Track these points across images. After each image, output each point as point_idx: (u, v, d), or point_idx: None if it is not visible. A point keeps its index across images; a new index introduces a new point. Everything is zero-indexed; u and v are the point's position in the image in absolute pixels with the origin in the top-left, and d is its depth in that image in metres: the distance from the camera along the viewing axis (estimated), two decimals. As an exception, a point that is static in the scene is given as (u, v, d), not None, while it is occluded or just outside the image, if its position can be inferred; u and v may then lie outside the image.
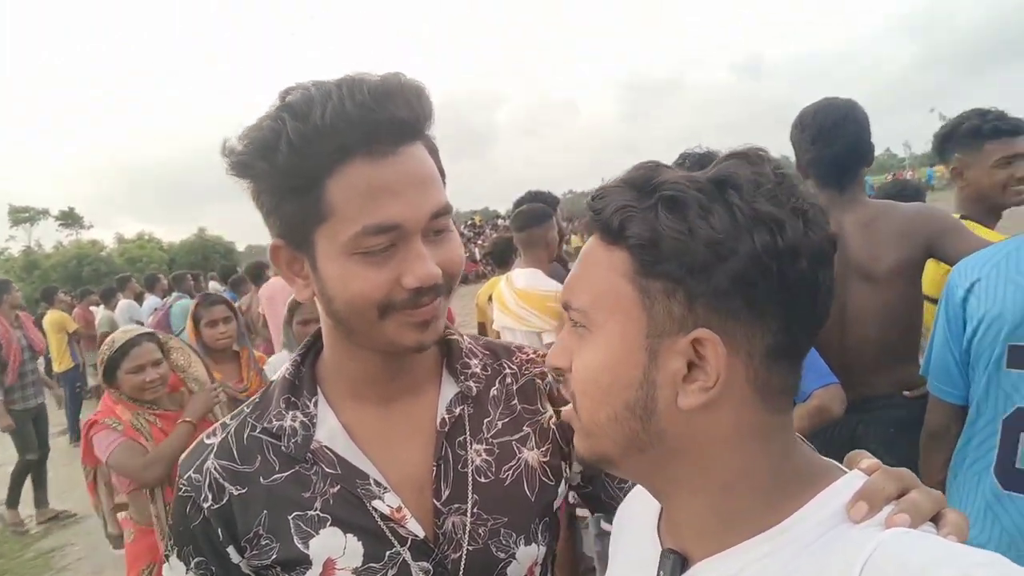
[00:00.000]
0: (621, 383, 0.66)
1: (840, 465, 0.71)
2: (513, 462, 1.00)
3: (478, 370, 1.04)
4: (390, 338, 0.88)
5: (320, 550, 0.91)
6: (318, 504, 0.92)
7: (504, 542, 0.96)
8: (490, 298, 3.63)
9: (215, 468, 0.94)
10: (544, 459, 1.02)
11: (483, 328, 4.25)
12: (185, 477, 0.95)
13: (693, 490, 0.68)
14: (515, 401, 1.04)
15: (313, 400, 0.96)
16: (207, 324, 3.45)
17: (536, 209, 3.35)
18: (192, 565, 0.96)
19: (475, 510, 0.96)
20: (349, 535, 0.91)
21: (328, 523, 0.91)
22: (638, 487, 0.86)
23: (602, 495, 1.05)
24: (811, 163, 2.28)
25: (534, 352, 1.11)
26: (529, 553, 0.98)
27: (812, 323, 0.65)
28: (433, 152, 0.90)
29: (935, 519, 0.64)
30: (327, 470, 0.92)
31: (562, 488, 1.04)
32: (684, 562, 0.70)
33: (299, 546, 0.90)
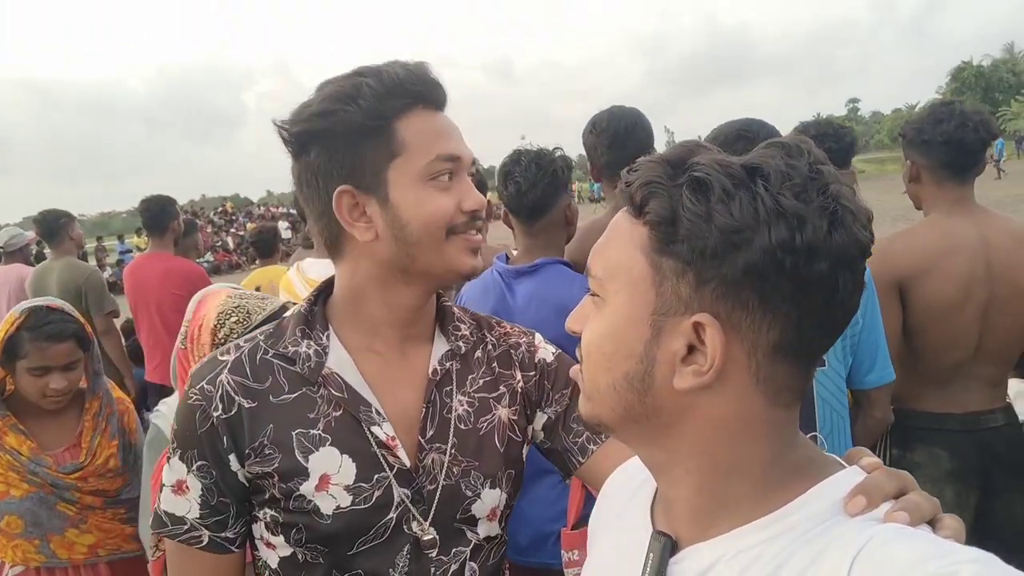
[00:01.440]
0: (622, 354, 0.67)
1: (841, 461, 0.71)
2: (488, 416, 1.14)
3: (467, 333, 1.19)
4: (449, 261, 1.04)
5: (318, 465, 1.02)
6: (321, 425, 1.03)
7: (473, 483, 1.10)
8: (257, 289, 3.36)
9: (228, 382, 1.03)
10: (513, 417, 1.16)
11: None
12: (197, 387, 1.04)
13: (688, 470, 0.69)
14: (495, 364, 1.19)
15: (325, 334, 1.08)
16: (33, 370, 2.08)
17: None
18: (194, 468, 1.03)
19: (452, 451, 1.09)
20: (345, 456, 1.03)
21: (328, 443, 1.02)
22: (627, 462, 0.91)
23: (559, 447, 1.18)
24: (607, 166, 2.41)
25: (511, 327, 1.27)
26: (492, 496, 1.12)
27: (828, 325, 0.64)
28: None
29: (932, 523, 0.64)
30: (335, 393, 1.04)
31: (525, 448, 1.20)
32: (674, 545, 0.71)
33: (300, 459, 1.01)
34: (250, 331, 1.56)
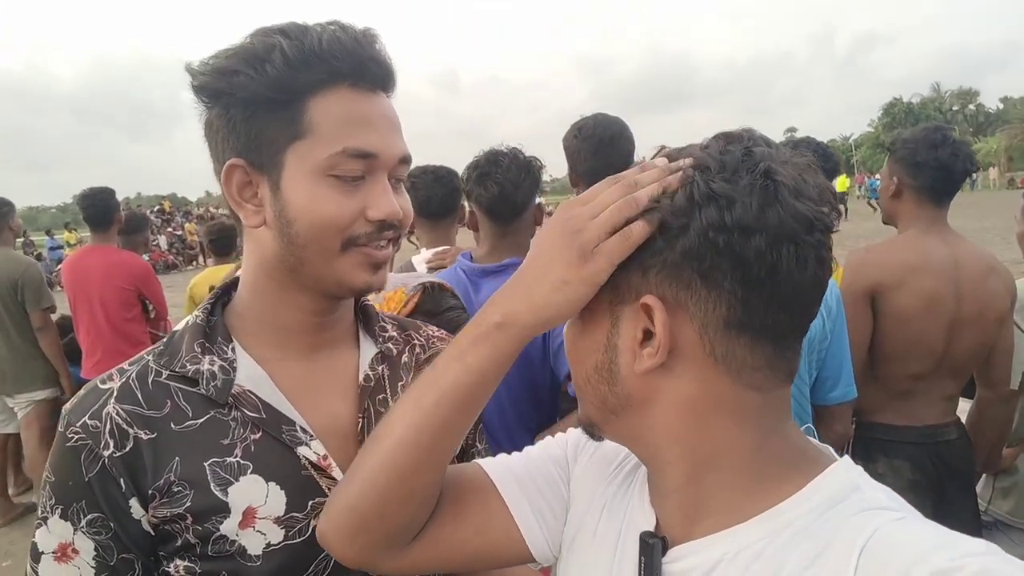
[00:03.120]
0: (590, 346, 0.71)
1: (832, 451, 0.71)
2: None
3: (395, 334, 1.08)
4: (340, 275, 0.89)
5: (240, 498, 0.87)
6: (238, 451, 0.88)
7: None
8: (211, 289, 4.08)
9: (117, 412, 0.86)
10: None
11: None
12: (79, 424, 0.85)
13: (672, 460, 0.70)
14: (424, 368, 1.00)
15: (230, 347, 0.93)
16: None
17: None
18: (83, 524, 0.85)
19: None
20: (272, 483, 0.88)
21: (249, 470, 0.88)
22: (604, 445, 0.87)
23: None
24: (588, 172, 2.37)
25: (435, 329, 1.16)
26: None
27: (778, 300, 0.64)
28: None
29: None
30: (249, 414, 0.89)
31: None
32: (665, 544, 0.71)
33: (217, 494, 0.86)
34: None
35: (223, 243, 5.23)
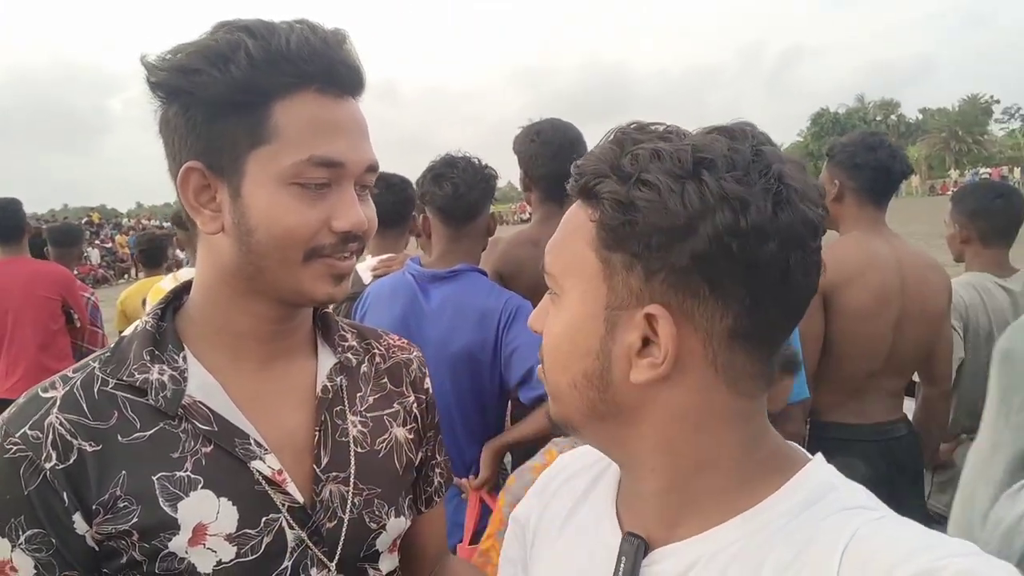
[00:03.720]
0: (579, 351, 0.66)
1: (806, 452, 0.71)
2: (386, 435, 1.01)
3: (355, 343, 1.04)
4: (302, 286, 0.86)
5: (190, 514, 0.83)
6: (188, 465, 0.84)
7: (377, 513, 0.96)
8: (144, 302, 3.54)
9: (61, 423, 0.82)
10: (410, 436, 1.04)
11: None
12: (18, 435, 0.81)
13: (655, 467, 0.67)
14: (384, 379, 1.05)
15: (180, 355, 0.88)
16: None
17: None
18: (22, 540, 0.80)
19: (353, 480, 0.95)
20: (223, 499, 0.85)
21: (200, 485, 0.84)
22: (565, 460, 0.88)
23: (421, 483, 1.11)
24: (545, 176, 2.38)
25: (399, 339, 1.13)
26: (397, 525, 0.99)
27: (785, 308, 0.63)
28: None
29: None
30: (201, 427, 0.85)
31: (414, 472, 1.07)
32: (646, 546, 0.69)
33: (166, 509, 0.82)
34: None
35: (153, 254, 5.08)
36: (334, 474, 0.94)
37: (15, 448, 0.81)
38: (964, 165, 66.75)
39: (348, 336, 1.05)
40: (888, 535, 0.59)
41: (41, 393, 0.86)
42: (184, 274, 3.04)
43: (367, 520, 0.96)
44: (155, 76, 0.83)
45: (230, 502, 0.86)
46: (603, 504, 0.77)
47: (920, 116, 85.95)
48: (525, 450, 2.13)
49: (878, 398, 2.42)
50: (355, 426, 0.99)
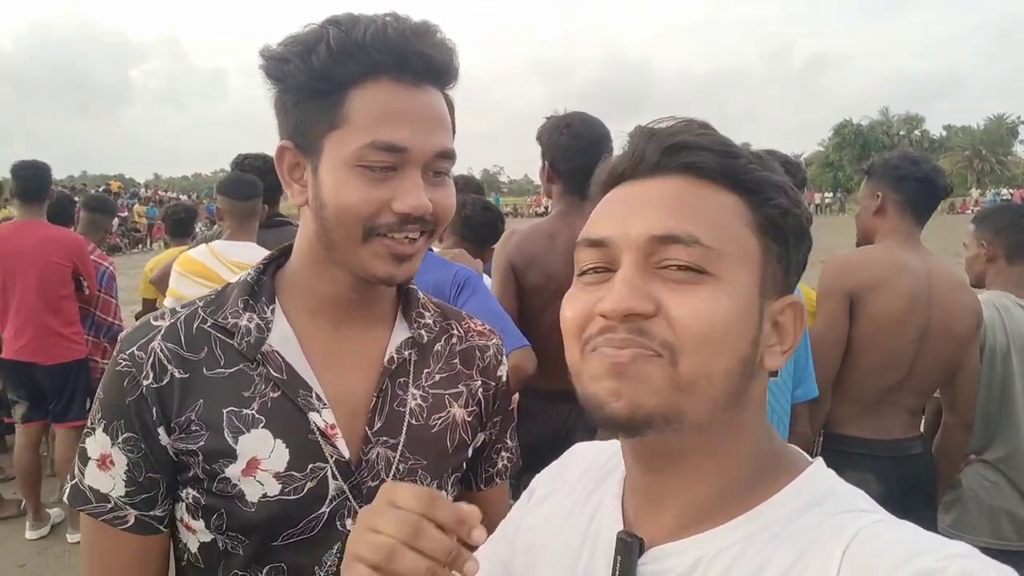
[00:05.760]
0: (742, 336, 0.63)
1: (802, 451, 0.72)
2: (442, 414, 1.06)
3: (430, 322, 1.10)
4: (363, 263, 0.93)
5: (247, 448, 0.92)
6: (255, 405, 0.94)
7: (418, 482, 1.02)
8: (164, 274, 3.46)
9: (161, 349, 0.94)
10: (468, 419, 1.09)
11: (151, 306, 4.18)
12: (128, 352, 0.94)
13: (720, 456, 0.67)
14: (456, 360, 1.10)
15: (270, 308, 0.98)
16: None
17: (252, 180, 3.25)
18: (120, 441, 0.93)
19: (401, 447, 1.00)
20: (279, 440, 0.93)
21: (261, 425, 0.93)
22: (567, 461, 0.88)
23: (472, 469, 1.16)
24: (573, 170, 2.34)
25: (482, 325, 1.18)
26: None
27: None
28: (451, 108, 0.97)
29: None
30: (273, 373, 0.94)
31: (470, 452, 1.12)
32: (642, 546, 0.68)
33: (228, 440, 0.92)
34: None
35: (183, 225, 5.21)
36: (384, 438, 1.01)
37: (124, 363, 0.94)
38: (985, 185, 66.22)
39: (426, 314, 1.11)
40: (888, 537, 0.59)
41: (153, 321, 0.99)
42: (220, 246, 3.10)
43: None
44: (262, 64, 0.94)
45: (284, 444, 0.94)
46: (610, 500, 0.77)
47: (944, 133, 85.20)
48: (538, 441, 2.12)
49: (896, 414, 2.39)
50: (414, 399, 1.04)
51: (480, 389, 1.12)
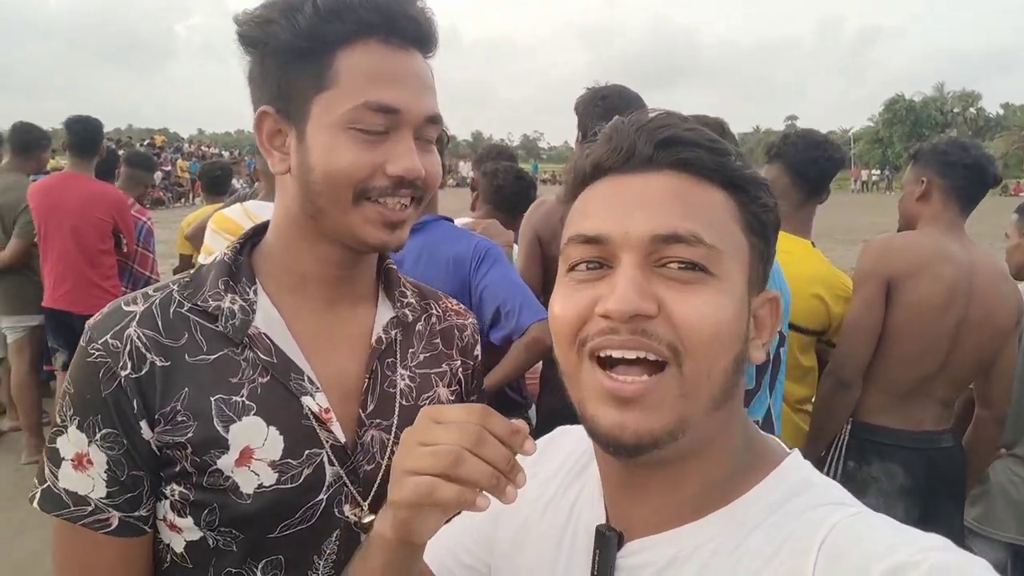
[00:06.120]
0: (738, 334, 0.63)
1: (779, 440, 0.73)
2: (430, 393, 1.05)
3: (413, 301, 1.08)
4: (353, 229, 0.89)
5: (239, 436, 0.88)
6: (244, 391, 0.90)
7: None
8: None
9: (138, 336, 0.89)
10: (451, 398, 1.08)
11: (187, 262, 4.20)
12: (101, 342, 0.88)
13: (700, 455, 0.66)
14: (437, 340, 1.09)
15: (252, 288, 0.94)
16: None
17: None
18: (98, 437, 0.87)
19: (395, 429, 0.99)
20: (272, 427, 0.90)
21: (252, 411, 0.89)
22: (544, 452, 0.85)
23: None
24: None
25: (457, 304, 1.17)
26: None
27: None
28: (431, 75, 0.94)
29: None
30: (262, 357, 0.91)
31: None
32: (621, 539, 0.69)
33: (218, 429, 0.88)
34: None
35: (219, 182, 5.27)
36: (378, 421, 0.99)
37: (97, 353, 0.88)
38: (1043, 167, 63.77)
39: (408, 293, 1.09)
40: (865, 530, 0.59)
41: (124, 306, 0.92)
42: (253, 206, 3.10)
43: None
44: (239, 28, 0.90)
45: (278, 431, 0.91)
46: (591, 489, 0.77)
47: (1001, 111, 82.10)
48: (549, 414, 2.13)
49: (927, 405, 2.34)
50: (403, 379, 1.03)
51: (460, 368, 1.11)
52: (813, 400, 2.46)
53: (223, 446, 0.88)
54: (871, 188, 54.60)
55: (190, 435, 0.88)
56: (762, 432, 0.73)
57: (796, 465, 0.69)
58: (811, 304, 2.31)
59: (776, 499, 0.65)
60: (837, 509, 0.62)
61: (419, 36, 0.91)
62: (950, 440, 2.37)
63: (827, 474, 2.35)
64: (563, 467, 0.83)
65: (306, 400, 0.92)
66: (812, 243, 2.46)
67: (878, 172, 64.19)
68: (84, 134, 4.22)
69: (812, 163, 2.39)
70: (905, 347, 2.28)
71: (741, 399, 0.69)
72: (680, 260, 0.62)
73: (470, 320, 1.16)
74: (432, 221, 2.20)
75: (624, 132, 0.66)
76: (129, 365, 0.87)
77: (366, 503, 0.96)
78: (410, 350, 1.05)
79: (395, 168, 0.87)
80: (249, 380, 0.91)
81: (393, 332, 1.03)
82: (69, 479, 0.88)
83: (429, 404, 1.03)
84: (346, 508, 0.95)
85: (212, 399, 0.89)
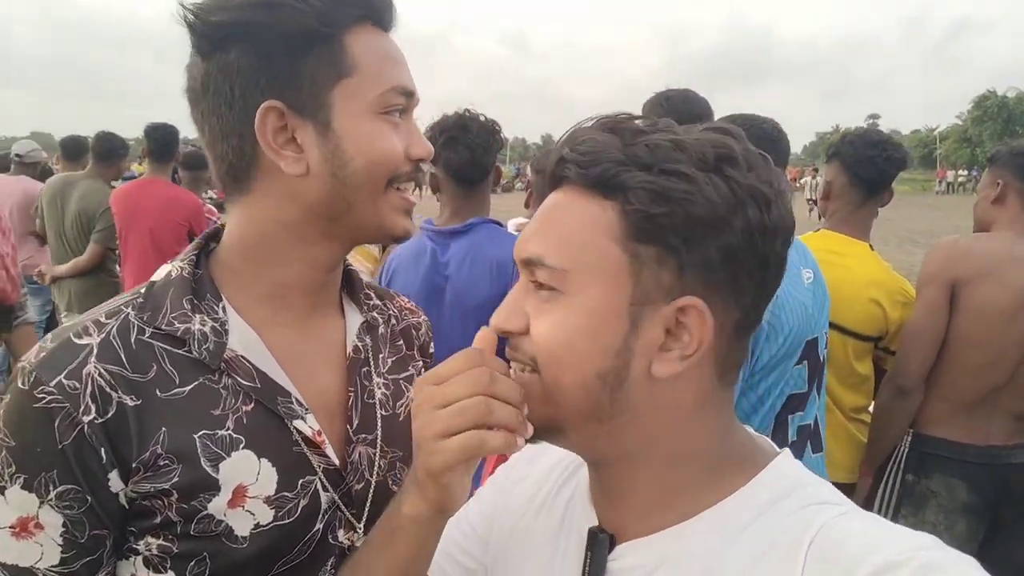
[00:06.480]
0: (598, 350, 0.63)
1: (772, 443, 0.72)
2: (403, 399, 0.99)
3: (378, 303, 1.04)
4: (384, 218, 0.86)
5: (231, 474, 0.80)
6: (230, 423, 0.81)
7: (398, 476, 0.94)
8: None
9: (100, 374, 0.77)
10: None
11: None
12: (52, 384, 0.75)
13: (643, 461, 0.67)
14: (400, 342, 1.04)
15: (220, 305, 0.85)
16: None
17: None
18: (52, 497, 0.75)
19: (380, 442, 0.94)
20: (264, 460, 0.82)
21: (242, 445, 0.81)
22: (530, 457, 0.86)
23: None
24: None
25: (408, 301, 1.12)
26: None
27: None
28: None
29: None
30: (243, 383, 0.82)
31: None
32: (612, 541, 0.69)
33: (207, 469, 0.79)
34: None
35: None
36: (363, 436, 0.93)
37: (49, 398, 0.75)
38: None
39: (372, 295, 1.04)
40: (853, 529, 0.59)
41: (75, 339, 0.79)
42: None
43: (390, 483, 0.94)
44: (217, 15, 0.79)
45: (270, 463, 0.83)
46: (582, 492, 0.77)
47: (1105, 108, 76.86)
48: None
49: (994, 417, 2.23)
50: (380, 388, 0.97)
51: (422, 368, 1.06)
52: (870, 409, 2.38)
53: (214, 487, 0.79)
54: (957, 189, 52.08)
55: (176, 480, 0.78)
56: (753, 433, 0.73)
57: (785, 465, 0.68)
58: (867, 309, 2.24)
59: (765, 500, 0.65)
60: (825, 509, 0.62)
61: (394, 19, 0.88)
62: (1022, 455, 2.23)
63: (885, 487, 2.35)
64: (556, 468, 0.83)
65: (297, 424, 0.85)
66: (870, 245, 2.38)
67: (965, 173, 61.19)
68: (161, 141, 4.40)
69: (869, 162, 2.31)
70: (970, 355, 2.18)
71: (680, 410, 0.66)
72: (538, 281, 0.66)
73: (423, 318, 1.13)
74: (479, 224, 2.23)
75: (550, 152, 0.69)
76: (93, 409, 0.75)
77: (360, 525, 0.90)
78: (380, 356, 1.00)
79: (419, 151, 0.86)
80: (233, 410, 0.82)
81: (367, 338, 0.98)
82: (9, 550, 0.76)
83: (405, 410, 0.99)
84: (340, 533, 0.89)
85: (196, 436, 0.79)
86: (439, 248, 2.24)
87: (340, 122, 0.82)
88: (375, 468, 0.93)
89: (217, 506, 0.80)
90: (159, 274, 0.87)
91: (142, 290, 0.86)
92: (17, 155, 5.39)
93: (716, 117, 2.23)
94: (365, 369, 0.96)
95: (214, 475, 0.79)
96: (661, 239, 0.61)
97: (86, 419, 0.75)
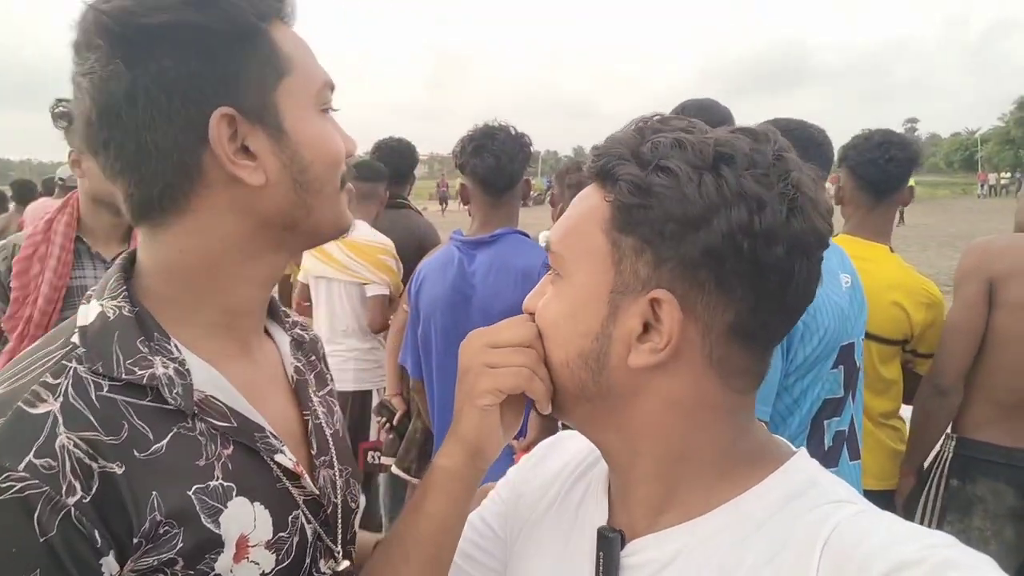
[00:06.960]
0: (579, 331, 0.68)
1: (792, 446, 0.72)
2: (335, 416, 0.98)
3: (295, 318, 0.99)
4: (341, 216, 0.83)
5: (232, 527, 0.74)
6: (217, 471, 0.74)
7: (353, 492, 0.94)
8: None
9: (76, 445, 0.66)
10: (337, 412, 1.01)
11: (287, 280, 4.01)
12: (22, 467, 0.63)
13: (642, 454, 0.69)
14: (313, 357, 0.99)
15: (171, 343, 0.75)
16: None
17: (377, 166, 3.44)
18: None
19: (335, 461, 0.91)
20: (257, 504, 0.77)
21: (235, 492, 0.75)
22: (549, 453, 0.89)
23: None
24: None
25: (295, 314, 1.07)
26: (363, 503, 0.97)
27: (783, 312, 0.66)
28: None
29: None
30: (219, 424, 0.75)
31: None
32: (623, 538, 0.70)
33: (209, 527, 0.72)
34: None
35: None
36: (324, 458, 0.89)
37: (21, 484, 0.62)
38: None
39: (286, 311, 0.98)
40: (869, 528, 0.59)
41: (28, 409, 0.67)
42: (364, 233, 3.20)
43: (349, 501, 0.92)
44: (146, 17, 0.69)
45: (263, 506, 0.77)
46: (595, 489, 0.79)
47: None
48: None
49: None
50: (319, 407, 0.93)
51: (329, 378, 1.03)
52: (899, 413, 2.35)
53: (218, 545, 0.72)
54: (999, 192, 50.80)
55: (180, 546, 0.70)
56: (769, 432, 0.74)
57: (801, 464, 0.68)
58: (890, 312, 2.20)
59: (779, 497, 0.65)
60: (840, 507, 0.62)
61: (294, 12, 0.81)
62: None
63: (929, 493, 2.28)
64: (567, 467, 0.85)
65: (278, 458, 0.79)
66: (890, 248, 2.34)
67: (1008, 175, 59.65)
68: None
69: (871, 165, 2.28)
70: (1010, 354, 2.13)
71: (678, 404, 0.67)
72: (549, 265, 0.73)
73: (318, 334, 1.08)
74: (505, 234, 2.26)
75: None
76: (78, 487, 0.65)
77: (338, 548, 0.87)
78: (308, 375, 0.95)
79: (350, 146, 0.83)
80: (216, 456, 0.75)
81: (300, 358, 0.93)
82: None
83: (339, 424, 0.97)
84: (321, 564, 0.85)
85: (190, 494, 0.71)
86: (466, 258, 2.29)
87: (291, 124, 0.76)
88: (337, 489, 0.90)
89: (224, 564, 0.73)
90: (86, 317, 0.75)
91: (73, 339, 0.73)
92: (61, 179, 5.47)
93: (757, 122, 2.22)
94: (304, 390, 0.91)
95: (216, 531, 0.73)
96: (639, 231, 0.63)
97: (71, 500, 0.64)
